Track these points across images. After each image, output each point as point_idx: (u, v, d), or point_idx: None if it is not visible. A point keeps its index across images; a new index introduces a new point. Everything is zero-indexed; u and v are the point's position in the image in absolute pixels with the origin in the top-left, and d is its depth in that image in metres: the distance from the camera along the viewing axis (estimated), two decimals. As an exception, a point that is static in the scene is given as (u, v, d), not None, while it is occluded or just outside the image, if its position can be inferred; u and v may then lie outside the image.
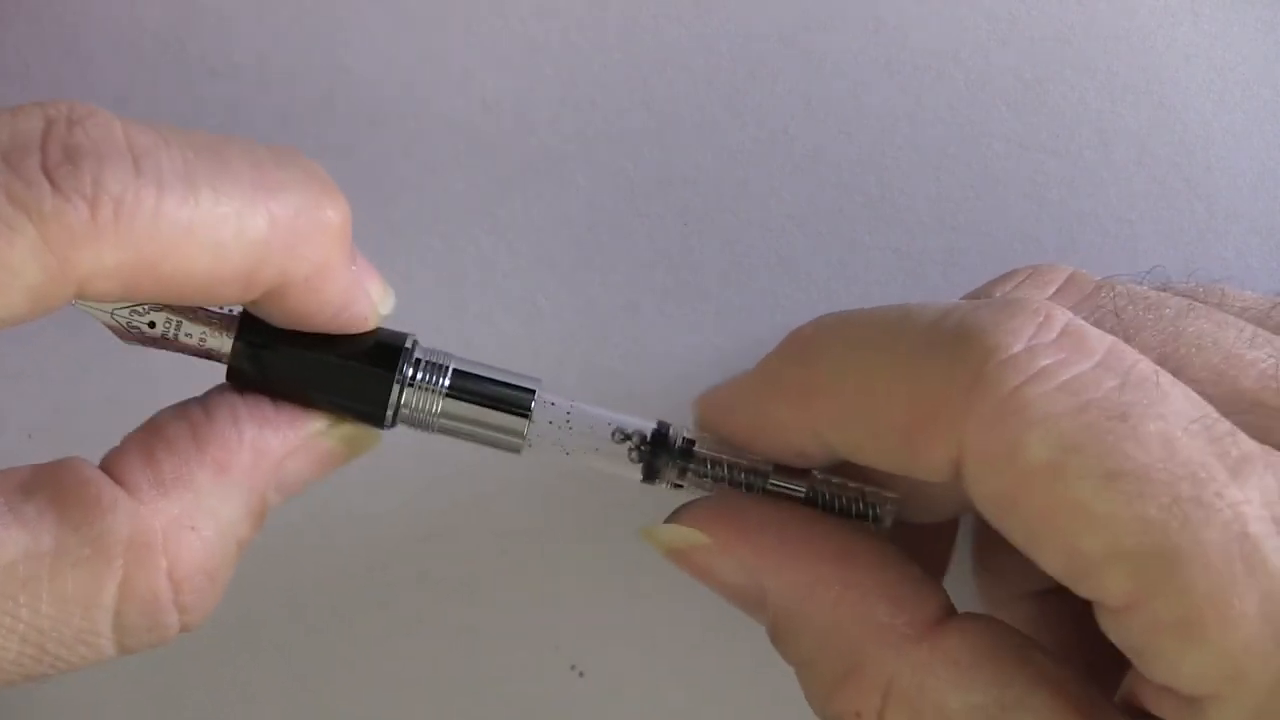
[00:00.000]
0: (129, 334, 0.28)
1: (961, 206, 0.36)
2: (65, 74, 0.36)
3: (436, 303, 0.36)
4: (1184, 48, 0.36)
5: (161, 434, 0.26)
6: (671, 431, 0.30)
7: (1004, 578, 0.32)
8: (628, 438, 0.29)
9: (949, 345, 0.25)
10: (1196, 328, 0.27)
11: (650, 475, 0.30)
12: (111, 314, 0.27)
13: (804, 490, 0.29)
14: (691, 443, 0.30)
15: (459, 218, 0.36)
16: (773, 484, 0.29)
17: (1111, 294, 0.29)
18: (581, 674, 0.37)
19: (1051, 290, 0.29)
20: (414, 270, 0.36)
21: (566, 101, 0.36)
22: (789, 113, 0.36)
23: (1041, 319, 0.25)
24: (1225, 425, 0.24)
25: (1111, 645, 0.25)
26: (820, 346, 0.28)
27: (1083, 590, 0.24)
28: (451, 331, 0.36)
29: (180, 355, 0.28)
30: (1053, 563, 0.24)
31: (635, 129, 0.36)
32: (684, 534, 0.29)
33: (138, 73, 0.36)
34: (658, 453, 0.29)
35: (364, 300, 0.27)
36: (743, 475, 0.29)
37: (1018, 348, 0.24)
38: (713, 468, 0.30)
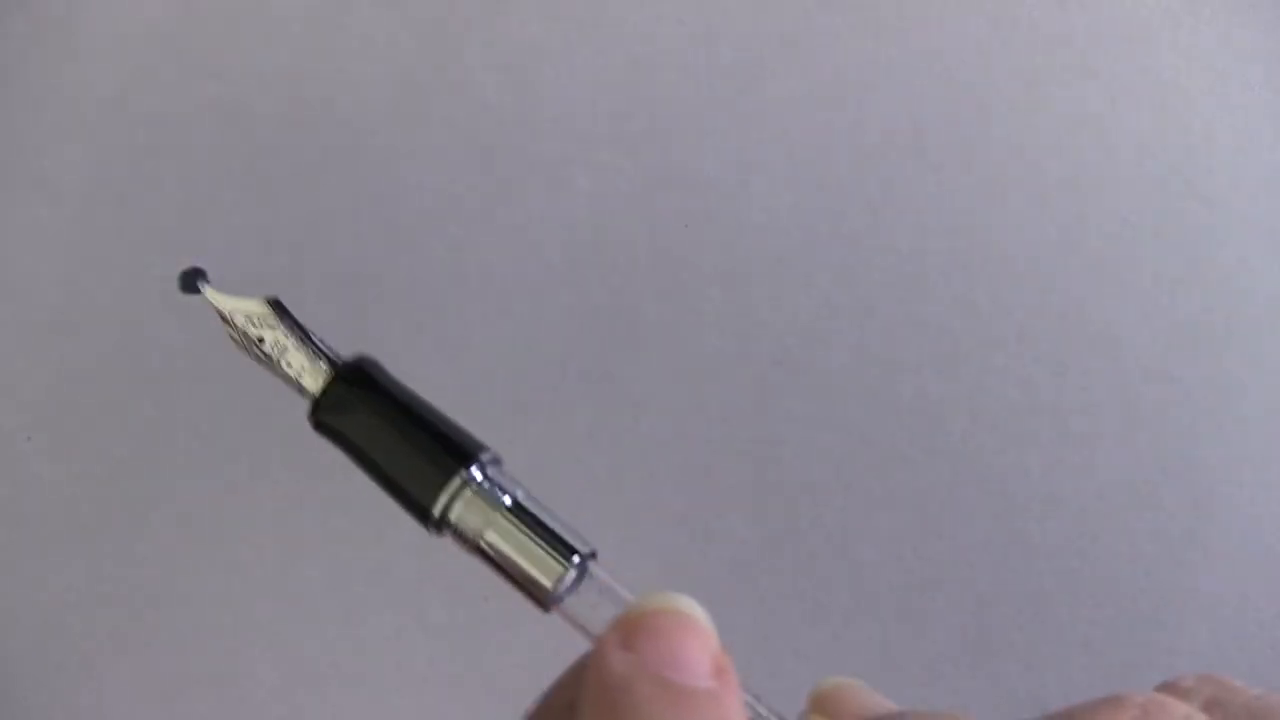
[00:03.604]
0: (243, 343, 0.28)
1: (961, 207, 0.36)
2: (65, 74, 0.36)
3: (437, 305, 0.36)
4: (1184, 48, 0.36)
5: None
6: None
7: None
8: None
9: None
10: None
11: None
12: (230, 316, 0.28)
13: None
14: None
15: (459, 218, 0.36)
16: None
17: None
18: (581, 674, 0.37)
19: None
20: (414, 272, 0.36)
21: (566, 101, 0.36)
22: (789, 113, 0.36)
23: None
24: None
25: None
26: None
27: None
28: (452, 333, 0.36)
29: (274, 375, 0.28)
30: None
31: (635, 129, 0.36)
32: None
33: (138, 73, 0.36)
34: None
35: None
36: None
37: None
38: None
